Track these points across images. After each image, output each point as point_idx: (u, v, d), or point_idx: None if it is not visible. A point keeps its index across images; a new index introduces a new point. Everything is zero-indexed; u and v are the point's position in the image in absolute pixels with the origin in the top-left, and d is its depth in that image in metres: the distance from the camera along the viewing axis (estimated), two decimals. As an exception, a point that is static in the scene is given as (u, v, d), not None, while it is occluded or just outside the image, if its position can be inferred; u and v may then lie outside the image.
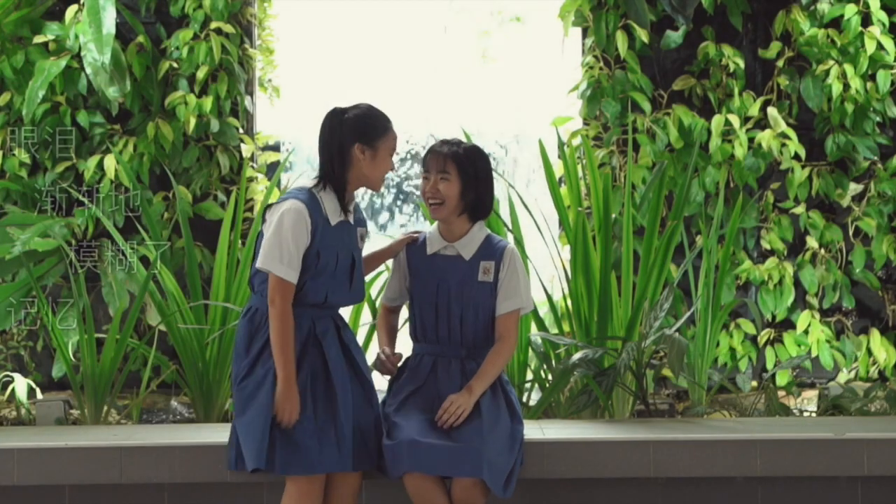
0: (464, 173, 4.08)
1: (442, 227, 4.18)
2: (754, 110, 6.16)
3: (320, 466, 3.81)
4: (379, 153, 3.94)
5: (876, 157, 6.18)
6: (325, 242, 3.88)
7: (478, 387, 4.02)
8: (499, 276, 4.12)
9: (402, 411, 4.03)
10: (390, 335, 4.30)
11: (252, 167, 6.23)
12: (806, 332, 6.10)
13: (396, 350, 4.27)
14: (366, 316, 5.46)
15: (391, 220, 6.86)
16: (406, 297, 4.25)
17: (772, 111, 6.13)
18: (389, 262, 4.34)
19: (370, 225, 6.63)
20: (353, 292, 4.05)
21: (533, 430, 4.36)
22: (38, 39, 6.11)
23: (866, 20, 6.11)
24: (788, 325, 6.17)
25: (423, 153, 4.26)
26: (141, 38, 6.13)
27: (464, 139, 4.70)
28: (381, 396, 4.28)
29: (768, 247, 6.16)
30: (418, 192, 6.34)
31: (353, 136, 3.92)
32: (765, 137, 6.04)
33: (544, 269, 5.52)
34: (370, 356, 4.42)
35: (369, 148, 3.92)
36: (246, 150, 6.22)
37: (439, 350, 4.16)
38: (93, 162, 6.04)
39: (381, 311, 4.35)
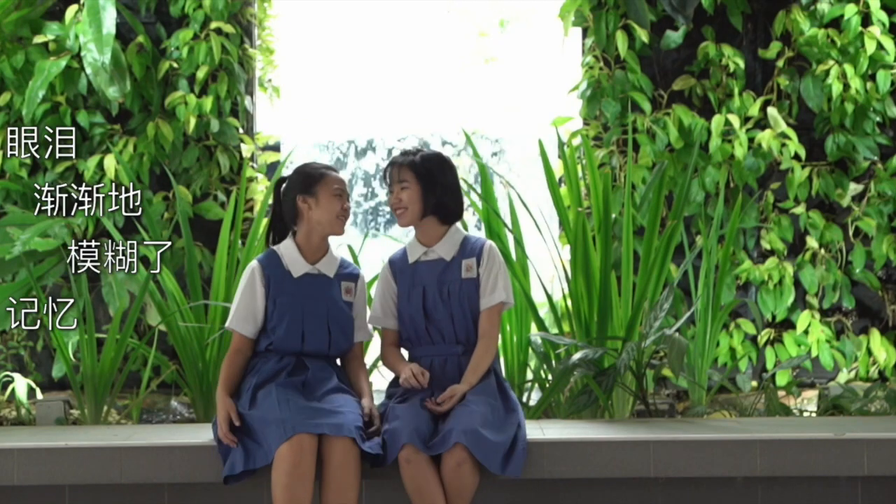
0: (421, 179, 4.20)
1: (419, 235, 4.28)
2: (754, 110, 6.15)
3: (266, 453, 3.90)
4: (320, 198, 4.17)
5: (876, 157, 6.17)
6: (284, 291, 4.17)
7: (473, 379, 4.12)
8: (479, 272, 4.20)
9: (402, 404, 4.07)
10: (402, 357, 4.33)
11: (252, 167, 6.23)
12: (806, 332, 6.10)
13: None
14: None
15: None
16: (395, 320, 4.30)
17: (772, 111, 6.13)
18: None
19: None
20: (336, 338, 4.19)
21: (533, 430, 4.36)
22: (38, 39, 6.12)
23: (866, 20, 6.11)
24: (788, 325, 6.17)
25: None
26: (141, 38, 6.13)
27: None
28: (377, 397, 4.29)
29: (768, 247, 6.16)
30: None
31: (293, 191, 4.22)
32: (765, 137, 6.04)
33: (544, 269, 5.52)
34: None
35: (309, 196, 4.18)
36: (246, 150, 6.22)
37: (434, 351, 4.22)
38: (93, 162, 6.04)
39: (383, 341, 4.36)
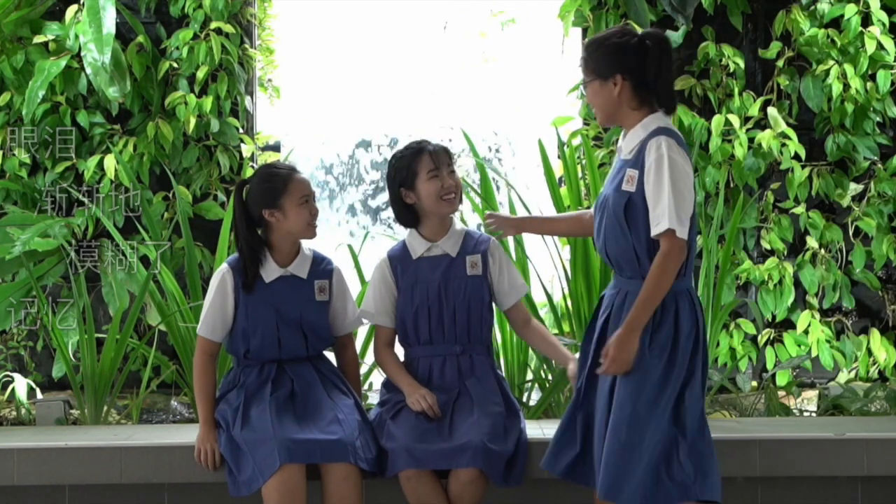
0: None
1: (423, 229, 4.19)
2: (754, 110, 6.15)
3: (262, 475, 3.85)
4: (288, 210, 4.08)
5: (876, 157, 6.17)
6: (256, 298, 4.07)
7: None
8: (489, 271, 4.18)
9: (398, 419, 4.03)
10: (402, 366, 4.23)
11: (252, 167, 6.23)
12: (806, 332, 6.10)
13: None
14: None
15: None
16: (392, 317, 4.22)
17: (772, 111, 6.13)
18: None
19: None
20: (312, 341, 4.15)
21: (533, 430, 4.35)
22: (38, 39, 6.11)
23: (866, 20, 6.11)
24: (788, 325, 6.16)
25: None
26: (141, 38, 6.13)
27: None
28: (376, 397, 4.28)
29: (768, 247, 6.16)
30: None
31: (259, 206, 4.09)
32: (765, 137, 6.04)
33: (544, 269, 5.52)
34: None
35: (276, 210, 4.07)
36: (246, 150, 6.22)
37: (433, 351, 4.17)
38: (93, 162, 6.04)
39: (377, 340, 4.27)
